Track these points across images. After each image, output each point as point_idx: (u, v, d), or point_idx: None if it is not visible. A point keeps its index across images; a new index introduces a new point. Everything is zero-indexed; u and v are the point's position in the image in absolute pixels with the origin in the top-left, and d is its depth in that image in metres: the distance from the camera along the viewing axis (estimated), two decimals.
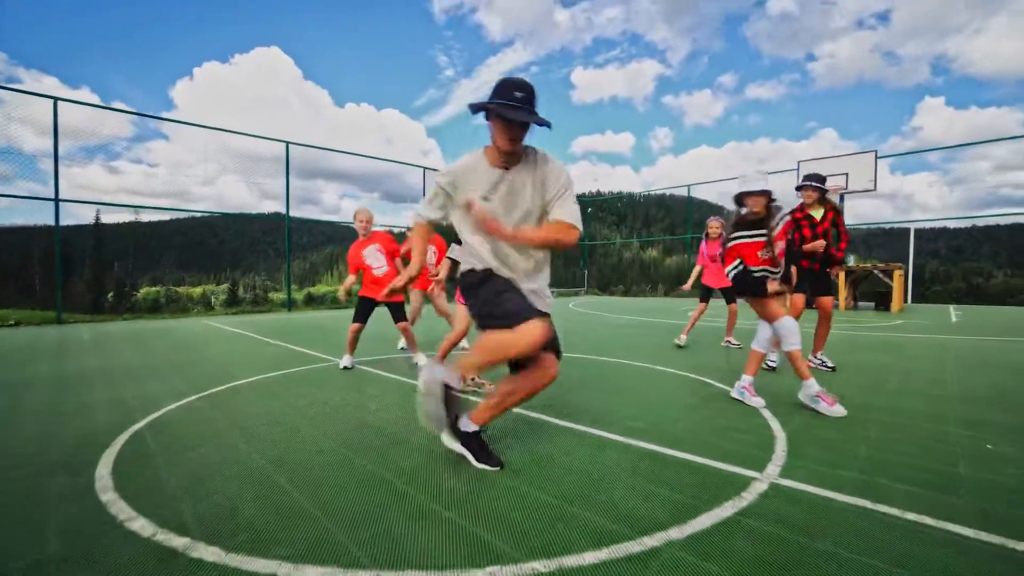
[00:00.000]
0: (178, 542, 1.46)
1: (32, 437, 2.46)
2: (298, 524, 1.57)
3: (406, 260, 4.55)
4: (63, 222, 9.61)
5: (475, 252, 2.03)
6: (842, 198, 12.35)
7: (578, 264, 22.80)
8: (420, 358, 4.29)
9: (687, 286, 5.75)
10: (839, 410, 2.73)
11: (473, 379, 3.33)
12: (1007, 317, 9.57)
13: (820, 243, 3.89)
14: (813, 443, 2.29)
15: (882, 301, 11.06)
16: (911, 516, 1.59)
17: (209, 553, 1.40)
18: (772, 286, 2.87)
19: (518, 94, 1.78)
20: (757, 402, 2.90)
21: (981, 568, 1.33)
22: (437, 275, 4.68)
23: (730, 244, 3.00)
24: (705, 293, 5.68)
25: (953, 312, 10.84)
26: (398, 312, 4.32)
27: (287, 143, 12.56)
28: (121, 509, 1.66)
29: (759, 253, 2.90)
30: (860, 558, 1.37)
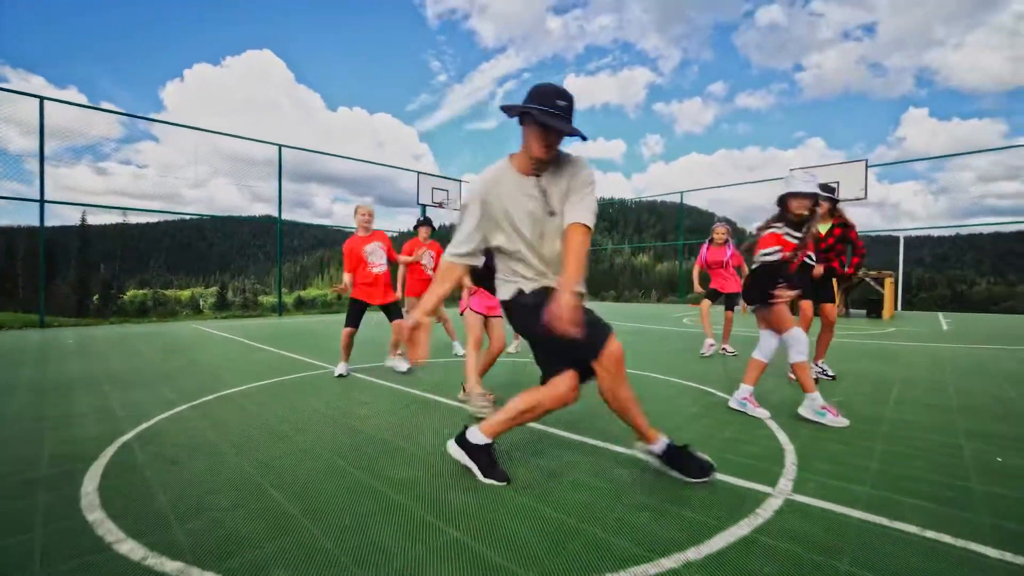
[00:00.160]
0: (171, 566, 1.37)
1: (11, 450, 2.34)
2: (296, 545, 1.49)
3: (393, 264, 4.52)
4: (48, 223, 9.40)
5: (516, 273, 1.93)
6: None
7: None
8: (398, 361, 4.22)
9: (698, 288, 5.72)
10: (842, 421, 2.71)
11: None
12: (994, 325, 9.71)
13: (819, 270, 3.86)
14: (822, 456, 2.25)
15: (874, 308, 11.18)
16: (930, 534, 1.55)
17: None
18: (783, 293, 2.82)
19: (560, 103, 1.72)
20: (762, 413, 2.85)
21: None
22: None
23: (768, 232, 2.87)
24: (714, 295, 5.60)
25: (943, 320, 10.98)
26: (395, 312, 4.27)
27: (280, 146, 12.44)
28: (109, 530, 1.57)
29: (787, 254, 2.85)
30: None
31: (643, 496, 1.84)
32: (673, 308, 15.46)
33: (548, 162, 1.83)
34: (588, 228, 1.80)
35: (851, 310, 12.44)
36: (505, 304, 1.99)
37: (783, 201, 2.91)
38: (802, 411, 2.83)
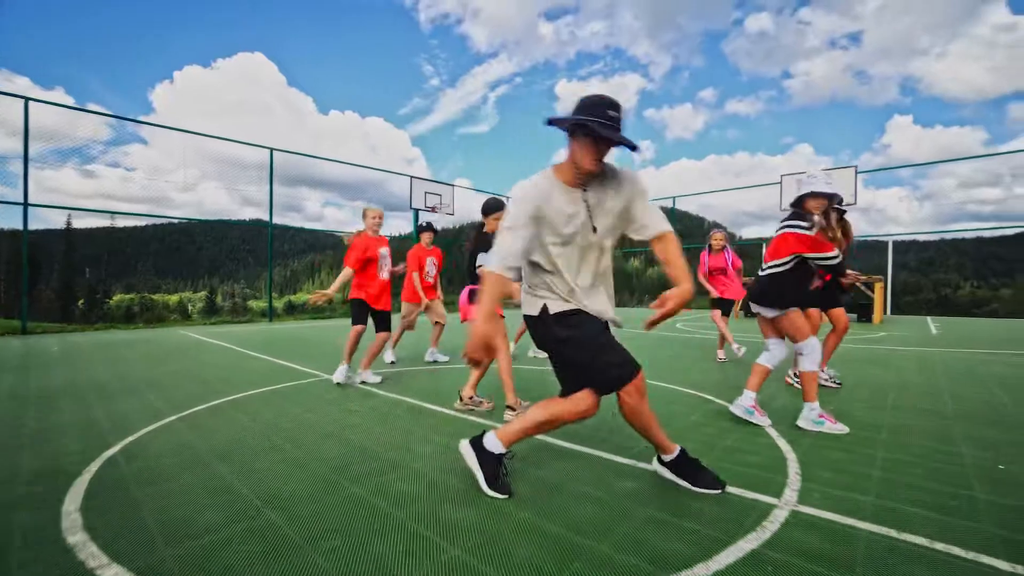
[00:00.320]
0: None
1: None
2: (291, 568, 1.42)
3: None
4: (32, 226, 9.20)
5: (548, 288, 1.85)
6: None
7: None
8: (367, 375, 4.11)
9: (712, 292, 5.65)
10: (841, 427, 2.69)
11: (472, 397, 3.21)
12: (981, 329, 9.84)
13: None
14: (825, 465, 2.23)
15: (864, 313, 11.29)
16: (940, 546, 1.53)
17: None
18: (856, 276, 2.74)
19: (612, 113, 1.66)
20: (764, 421, 2.83)
21: None
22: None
23: (785, 231, 2.80)
24: (721, 303, 5.56)
25: (931, 324, 11.12)
26: (384, 321, 4.17)
27: (271, 149, 12.31)
28: (92, 554, 1.49)
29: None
30: None
31: (648, 509, 1.80)
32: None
33: (595, 175, 1.79)
34: (671, 231, 1.86)
35: None
36: (531, 319, 1.91)
37: (800, 201, 2.89)
38: (801, 423, 2.78)
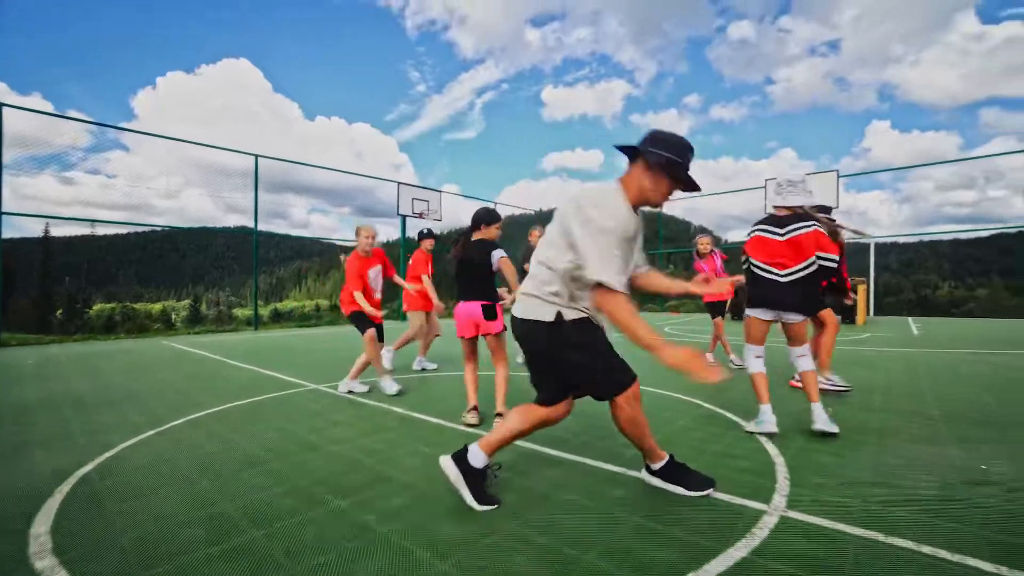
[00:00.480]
0: None
1: None
2: None
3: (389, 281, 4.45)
4: (6, 235, 8.95)
5: (572, 299, 1.83)
6: None
7: None
8: (354, 384, 4.10)
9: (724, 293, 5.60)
10: (833, 427, 2.68)
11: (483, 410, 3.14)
12: (960, 329, 10.06)
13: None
14: (813, 469, 2.24)
15: (847, 314, 11.47)
16: (927, 549, 1.54)
17: None
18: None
19: (691, 157, 1.78)
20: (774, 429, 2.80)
21: None
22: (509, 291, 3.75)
23: (815, 229, 2.76)
24: (712, 308, 5.55)
25: (912, 324, 11.34)
26: (377, 333, 4.12)
27: (256, 156, 12.17)
28: None
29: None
30: None
31: (638, 517, 1.78)
32: (654, 317, 15.61)
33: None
34: None
35: None
36: (540, 324, 1.85)
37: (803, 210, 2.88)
38: (819, 426, 2.66)
